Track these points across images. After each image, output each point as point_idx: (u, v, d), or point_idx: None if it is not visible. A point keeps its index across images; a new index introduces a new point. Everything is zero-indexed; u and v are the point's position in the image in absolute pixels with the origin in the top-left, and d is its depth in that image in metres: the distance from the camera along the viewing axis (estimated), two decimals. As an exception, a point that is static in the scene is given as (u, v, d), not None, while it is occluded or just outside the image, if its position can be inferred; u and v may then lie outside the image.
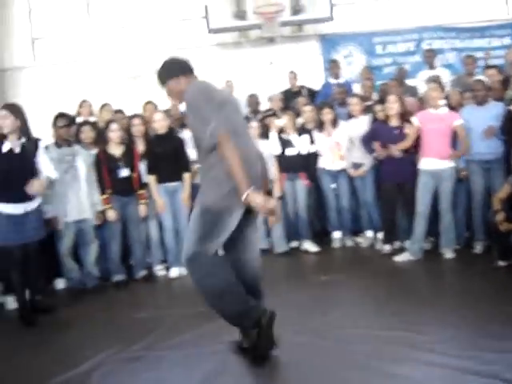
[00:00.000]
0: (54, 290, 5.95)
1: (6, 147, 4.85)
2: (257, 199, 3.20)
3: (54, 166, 5.51)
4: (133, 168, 5.94)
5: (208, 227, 3.37)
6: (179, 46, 9.90)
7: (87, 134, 6.12)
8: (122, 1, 10.43)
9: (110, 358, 3.89)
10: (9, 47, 10.39)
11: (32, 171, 4.90)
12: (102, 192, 5.84)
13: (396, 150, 6.02)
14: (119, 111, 7.35)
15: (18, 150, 4.87)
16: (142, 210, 6.00)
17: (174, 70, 3.61)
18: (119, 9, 10.43)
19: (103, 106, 7.57)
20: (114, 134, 5.95)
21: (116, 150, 5.95)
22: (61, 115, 5.93)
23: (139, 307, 5.09)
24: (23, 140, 4.90)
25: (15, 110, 4.87)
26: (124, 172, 5.85)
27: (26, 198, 4.86)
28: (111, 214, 5.83)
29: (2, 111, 4.85)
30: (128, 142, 6.17)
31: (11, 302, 5.43)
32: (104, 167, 5.86)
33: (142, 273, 6.11)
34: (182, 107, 5.74)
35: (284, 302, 4.51)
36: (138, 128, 6.21)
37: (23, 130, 4.90)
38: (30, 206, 4.93)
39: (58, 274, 5.96)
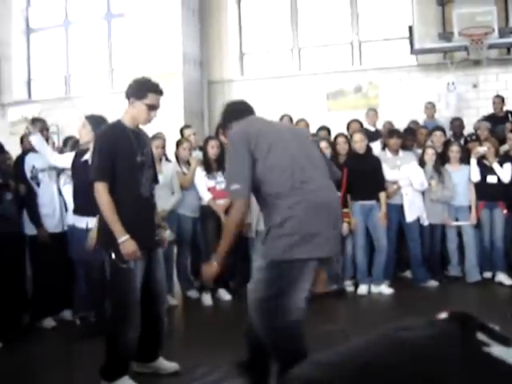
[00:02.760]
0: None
1: (84, 157, 4.76)
2: None
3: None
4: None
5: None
6: (380, 66, 10.00)
7: None
8: (325, 20, 10.74)
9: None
10: (219, 61, 11.10)
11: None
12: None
13: None
14: (324, 128, 7.54)
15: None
16: (345, 228, 5.83)
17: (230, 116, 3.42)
18: (323, 27, 10.75)
19: (298, 121, 7.74)
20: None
21: None
22: None
23: (325, 320, 5.00)
24: None
25: (95, 122, 4.73)
26: None
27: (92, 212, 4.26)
28: None
29: (83, 120, 4.87)
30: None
31: (207, 299, 5.93)
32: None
33: (333, 286, 6.09)
34: None
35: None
36: (342, 146, 6.41)
37: None
38: (92, 221, 4.50)
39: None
